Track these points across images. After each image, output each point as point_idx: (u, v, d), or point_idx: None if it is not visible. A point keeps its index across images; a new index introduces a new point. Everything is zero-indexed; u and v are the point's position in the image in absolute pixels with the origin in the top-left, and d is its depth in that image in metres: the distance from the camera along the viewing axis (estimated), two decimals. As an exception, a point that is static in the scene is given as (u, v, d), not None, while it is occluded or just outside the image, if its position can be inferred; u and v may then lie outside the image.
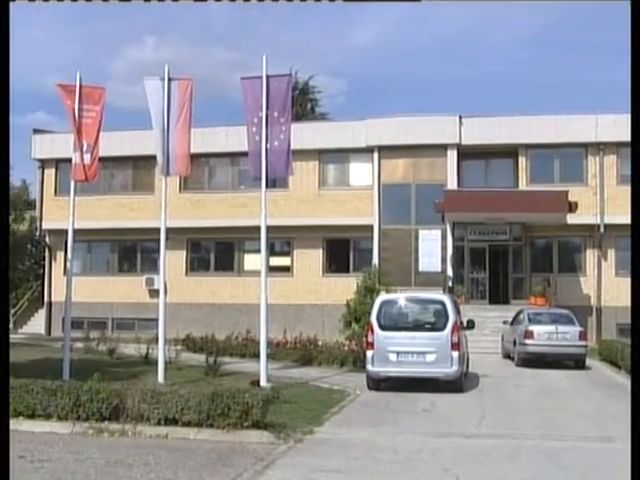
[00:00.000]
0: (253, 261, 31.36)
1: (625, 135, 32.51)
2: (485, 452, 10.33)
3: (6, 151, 9.86)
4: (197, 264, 35.87)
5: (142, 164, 34.71)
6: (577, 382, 19.55)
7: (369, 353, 16.87)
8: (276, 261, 33.84)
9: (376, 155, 32.99)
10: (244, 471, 8.85)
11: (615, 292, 31.12)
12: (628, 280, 31.84)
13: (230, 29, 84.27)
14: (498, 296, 31.79)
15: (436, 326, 16.85)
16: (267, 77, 17.37)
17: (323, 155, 33.80)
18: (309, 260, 33.67)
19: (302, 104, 53.23)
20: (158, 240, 17.89)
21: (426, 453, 10.09)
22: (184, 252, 34.74)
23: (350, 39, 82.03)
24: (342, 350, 22.25)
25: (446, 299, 17.67)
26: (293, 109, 28.71)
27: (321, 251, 33.87)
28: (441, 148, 32.31)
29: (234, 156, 33.44)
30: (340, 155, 33.97)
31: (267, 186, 17.93)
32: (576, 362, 22.83)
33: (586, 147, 31.95)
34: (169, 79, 17.34)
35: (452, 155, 32.30)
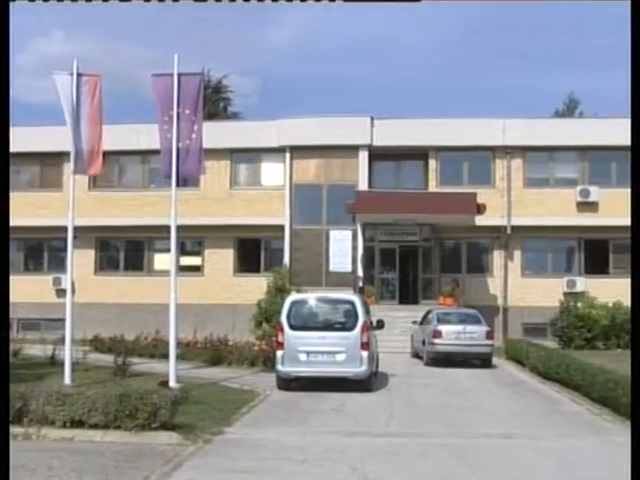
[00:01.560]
0: (163, 261, 30.97)
1: (532, 139, 33.56)
2: (393, 450, 10.44)
3: (6, 150, 9.79)
4: (106, 263, 35.30)
5: (50, 160, 33.97)
6: (483, 380, 19.94)
7: (279, 353, 16.87)
8: (187, 261, 33.57)
9: (288, 155, 33.02)
10: (151, 473, 8.73)
11: (521, 292, 31.87)
12: (533, 280, 32.83)
13: (143, 25, 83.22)
14: (408, 296, 32.18)
15: (346, 326, 16.96)
16: (179, 75, 17.20)
17: (235, 154, 33.66)
18: (220, 260, 33.49)
19: (214, 103, 52.98)
20: (66, 239, 17.52)
21: (335, 452, 10.14)
22: (93, 251, 34.13)
23: (265, 39, 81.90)
24: (252, 350, 22.20)
25: (356, 299, 17.79)
26: (205, 108, 28.49)
27: (232, 251, 33.73)
28: (353, 149, 32.51)
29: (145, 154, 33.01)
30: (252, 155, 33.90)
31: (178, 185, 17.75)
32: (483, 361, 23.30)
33: (494, 150, 32.62)
34: (78, 74, 16.97)
35: (363, 156, 32.55)
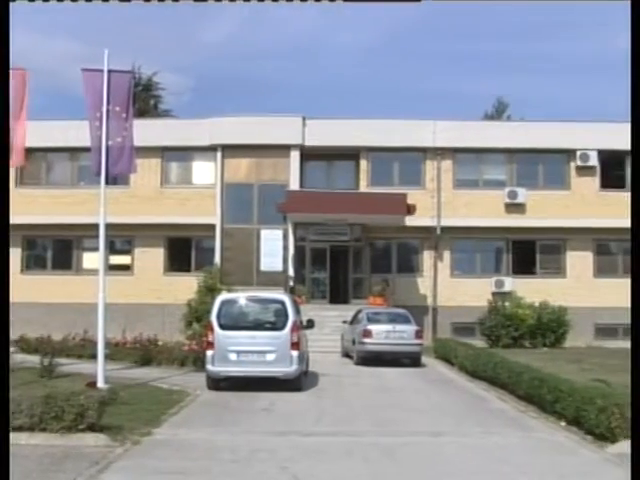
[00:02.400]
0: (92, 259, 30.50)
1: (461, 141, 34.01)
2: (323, 450, 10.48)
3: (6, 150, 9.59)
4: (33, 262, 34.65)
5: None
6: (413, 379, 20.13)
7: (209, 353, 16.79)
8: (116, 259, 33.20)
9: (219, 154, 32.89)
10: (78, 476, 8.61)
11: (450, 292, 32.28)
12: (462, 281, 33.27)
13: (73, 20, 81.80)
14: (338, 296, 32.32)
15: (276, 325, 16.97)
16: (109, 72, 16.99)
17: (166, 153, 33.40)
18: (150, 259, 33.18)
19: (145, 100, 52.44)
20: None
21: (265, 452, 10.13)
22: (19, 250, 33.44)
23: (198, 37, 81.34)
24: (183, 350, 22.04)
25: (286, 299, 17.81)
26: (135, 105, 28.18)
27: (162, 250, 33.44)
28: (284, 149, 32.53)
29: (74, 151, 32.51)
30: (183, 153, 33.66)
31: (108, 183, 17.55)
32: (412, 360, 23.53)
33: (424, 152, 32.98)
34: (5, 68, 16.63)
35: (295, 156, 32.60)
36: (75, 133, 27.83)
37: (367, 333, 23.34)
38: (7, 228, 10.25)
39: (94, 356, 18.36)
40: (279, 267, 32.21)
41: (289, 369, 16.51)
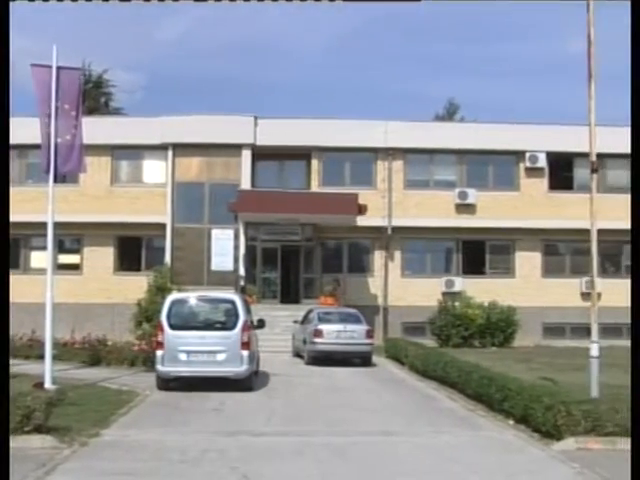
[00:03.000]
0: (40, 258, 30.10)
1: (413, 142, 34.23)
2: (273, 449, 10.45)
3: (6, 149, 9.47)
4: (-21, 261, 34.07)
5: None
6: (363, 379, 20.19)
7: (159, 353, 16.66)
8: (65, 259, 32.79)
9: (170, 153, 32.66)
10: (23, 478, 8.45)
11: (400, 292, 32.45)
12: (413, 280, 33.40)
13: (24, 14, 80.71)
14: (289, 295, 32.30)
15: (226, 325, 16.91)
16: (58, 68, 16.74)
17: (116, 151, 33.07)
18: (99, 258, 32.82)
19: (95, 98, 51.88)
20: None
21: (215, 452, 10.08)
22: (-36, 248, 32.86)
23: (152, 35, 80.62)
24: (132, 350, 21.87)
25: (236, 298, 17.77)
26: (85, 103, 27.88)
27: (112, 249, 33.11)
28: (236, 148, 32.42)
29: (22, 148, 31.96)
30: (134, 152, 33.36)
31: (57, 181, 17.30)
32: (363, 360, 23.59)
33: (376, 152, 33.10)
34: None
35: (246, 155, 32.50)
36: (24, 130, 27.40)
37: (318, 333, 23.36)
38: (7, 228, 10.13)
39: (42, 356, 18.06)
40: (230, 267, 32.10)
41: (239, 369, 16.45)
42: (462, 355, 20.17)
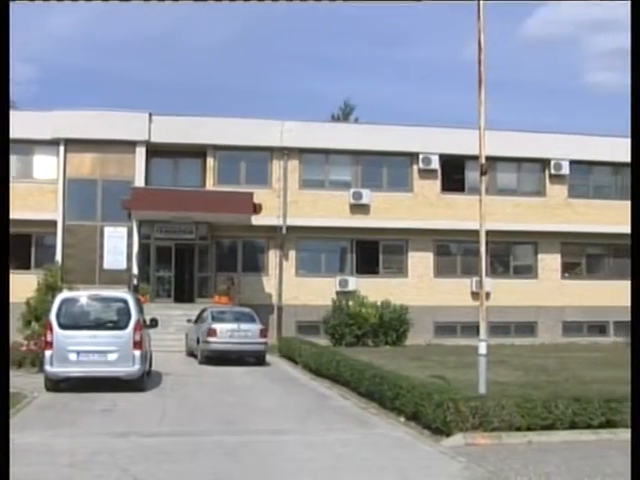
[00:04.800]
0: None
1: (308, 142, 34.34)
2: (165, 450, 10.36)
3: (6, 149, 9.10)
4: None
5: None
6: (257, 378, 20.18)
7: (47, 353, 16.27)
8: (-51, 256, 31.63)
9: (62, 148, 31.88)
10: None
11: (295, 291, 32.55)
12: (307, 280, 33.45)
13: None
14: (183, 294, 31.99)
15: (118, 325, 16.66)
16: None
17: (5, 146, 32.07)
18: (-14, 256, 31.79)
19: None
20: None
21: (105, 454, 9.92)
22: None
23: (48, 28, 78.60)
24: (20, 350, 21.24)
25: (129, 297, 17.52)
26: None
27: (0, 246, 32.12)
28: (130, 145, 31.89)
29: None
30: (23, 146, 32.28)
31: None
32: (257, 359, 23.60)
33: (271, 151, 33.10)
34: None
35: (141, 152, 31.99)
36: None
37: (212, 332, 23.23)
38: (7, 228, 9.75)
39: None
40: (123, 265, 31.57)
41: (131, 369, 16.24)
42: (355, 354, 20.40)
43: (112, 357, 16.27)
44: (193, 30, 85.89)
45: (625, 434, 11.36)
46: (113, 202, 30.75)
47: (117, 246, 31.72)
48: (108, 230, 31.95)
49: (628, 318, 35.44)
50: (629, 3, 9.39)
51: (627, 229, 37.44)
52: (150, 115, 32.00)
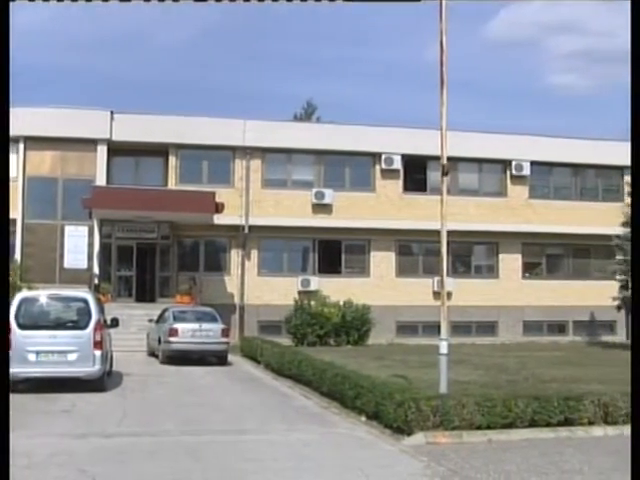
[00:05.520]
0: None
1: (271, 141, 34.30)
2: (125, 451, 10.28)
3: (6, 150, 8.97)
4: None
5: None
6: (219, 378, 20.13)
7: (6, 353, 16.07)
8: None
9: (22, 146, 31.50)
10: None
11: (257, 291, 32.49)
12: (269, 279, 33.35)
13: None
14: (145, 294, 31.82)
15: (78, 324, 16.50)
16: None
17: (-38, 143, 31.65)
18: (-56, 255, 31.36)
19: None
20: None
21: (63, 456, 9.81)
22: None
23: (11, 23, 77.41)
24: (-23, 351, 20.98)
25: (89, 297, 17.36)
26: None
27: (-42, 245, 31.70)
28: (91, 143, 31.61)
29: None
30: (-19, 144, 32.01)
31: None
32: (219, 358, 23.53)
33: (234, 150, 33.01)
34: None
35: (102, 150, 31.72)
36: None
37: (173, 332, 23.13)
38: (7, 227, 9.60)
39: None
40: (84, 264, 31.29)
41: (92, 369, 16.11)
42: (317, 353, 20.41)
43: (72, 357, 16.12)
44: (159, 29, 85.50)
45: (582, 432, 11.56)
46: (74, 201, 30.45)
47: (78, 245, 31.43)
48: (69, 229, 31.65)
49: (587, 318, 36.09)
50: (629, 3, 9.41)
51: (586, 230, 38.03)
52: (112, 113, 31.75)
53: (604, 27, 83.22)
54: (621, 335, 34.95)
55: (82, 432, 11.54)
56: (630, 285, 10.54)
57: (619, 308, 30.68)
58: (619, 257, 31.23)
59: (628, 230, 29.93)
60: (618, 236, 30.13)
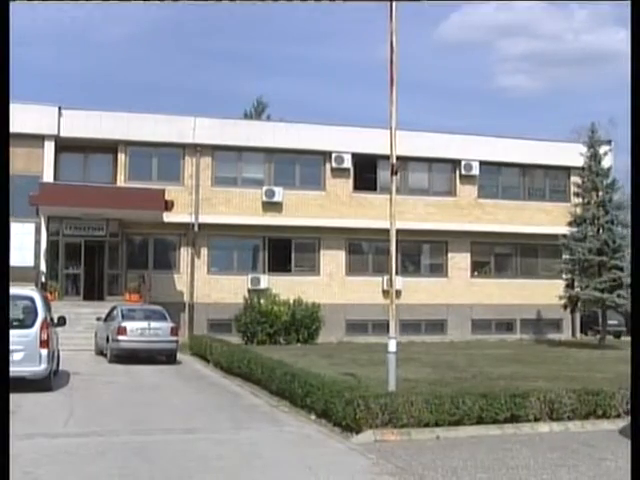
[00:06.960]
0: None
1: (221, 139, 34.18)
2: (71, 451, 10.15)
3: (6, 152, 8.72)
4: None
5: None
6: (168, 377, 20.01)
7: (-52, 353, 15.78)
8: None
9: (-34, 142, 30.97)
10: None
11: (207, 289, 32.38)
12: (219, 277, 33.28)
13: None
14: (93, 292, 31.49)
15: (24, 323, 16.25)
16: None
17: None
18: None
19: None
20: None
21: (8, 456, 9.66)
22: None
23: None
24: None
25: (35, 295, 17.12)
26: None
27: None
28: (38, 139, 31.13)
29: None
30: None
31: None
32: (168, 357, 23.40)
33: (184, 148, 32.82)
34: None
35: (50, 146, 31.31)
36: None
37: (122, 330, 22.91)
38: (7, 227, 9.37)
39: None
40: (30, 262, 30.83)
41: (38, 368, 15.87)
42: (267, 352, 20.40)
43: (17, 356, 15.83)
44: (108, 24, 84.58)
45: (528, 428, 11.72)
46: (20, 197, 29.80)
47: (24, 242, 30.93)
48: (15, 226, 30.97)
49: (534, 316, 36.64)
50: (629, 3, 9.45)
51: (534, 229, 38.66)
52: (60, 109, 31.35)
53: (552, 31, 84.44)
54: (567, 333, 35.58)
55: (28, 433, 11.34)
56: (631, 284, 10.64)
57: (565, 307, 31.18)
58: (565, 256, 31.74)
59: (574, 229, 30.48)
60: (565, 235, 30.62)
